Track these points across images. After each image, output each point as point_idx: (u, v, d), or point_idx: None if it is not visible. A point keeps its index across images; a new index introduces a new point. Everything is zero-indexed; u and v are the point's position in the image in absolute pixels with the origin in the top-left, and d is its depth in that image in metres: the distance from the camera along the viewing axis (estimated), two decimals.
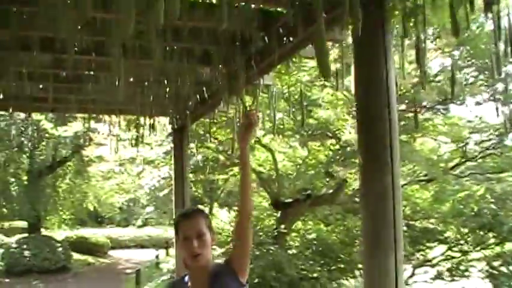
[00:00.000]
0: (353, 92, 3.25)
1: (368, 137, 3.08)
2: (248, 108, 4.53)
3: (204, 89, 5.80)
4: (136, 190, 17.07)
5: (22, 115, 16.48)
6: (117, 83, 4.13)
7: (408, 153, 11.98)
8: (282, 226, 13.01)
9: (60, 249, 20.64)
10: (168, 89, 5.56)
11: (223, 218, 18.88)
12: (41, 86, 5.46)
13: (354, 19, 2.48)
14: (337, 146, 12.21)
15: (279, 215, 13.91)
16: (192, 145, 10.14)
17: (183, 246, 2.81)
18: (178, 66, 4.34)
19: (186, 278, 2.93)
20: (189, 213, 2.89)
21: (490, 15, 2.80)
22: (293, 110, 10.58)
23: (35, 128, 19.76)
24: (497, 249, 13.08)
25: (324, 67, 2.27)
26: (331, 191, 13.10)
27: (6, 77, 4.61)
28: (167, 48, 3.91)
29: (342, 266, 12.95)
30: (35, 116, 16.63)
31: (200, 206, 6.62)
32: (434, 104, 12.12)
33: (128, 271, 20.51)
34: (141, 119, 7.14)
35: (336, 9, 3.11)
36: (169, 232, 24.85)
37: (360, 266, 13.92)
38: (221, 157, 13.91)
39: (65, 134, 17.01)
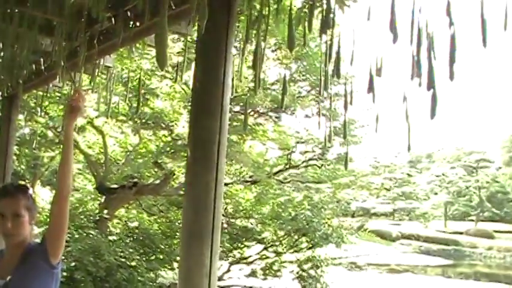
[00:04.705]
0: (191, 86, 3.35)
1: (199, 131, 3.19)
2: (77, 86, 4.45)
3: (42, 60, 5.55)
4: None
5: None
6: None
7: (237, 154, 12.41)
8: (105, 211, 12.75)
9: None
10: (2, 53, 5.23)
11: (44, 197, 18.06)
12: None
13: (200, 16, 2.57)
14: (169, 138, 12.28)
15: (103, 199, 13.62)
16: (21, 116, 9.60)
17: None
18: (17, 32, 4.11)
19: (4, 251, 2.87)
20: (8, 191, 2.75)
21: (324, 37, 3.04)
22: (130, 95, 10.44)
23: None
24: (309, 253, 13.98)
25: (161, 56, 2.33)
26: (157, 181, 13.12)
27: None
28: (8, 11, 3.69)
29: (161, 257, 13.00)
30: None
31: (22, 183, 6.26)
32: (267, 110, 12.66)
33: None
34: None
35: (185, 3, 3.21)
36: None
37: (178, 258, 14.10)
38: (50, 133, 13.33)
39: None
